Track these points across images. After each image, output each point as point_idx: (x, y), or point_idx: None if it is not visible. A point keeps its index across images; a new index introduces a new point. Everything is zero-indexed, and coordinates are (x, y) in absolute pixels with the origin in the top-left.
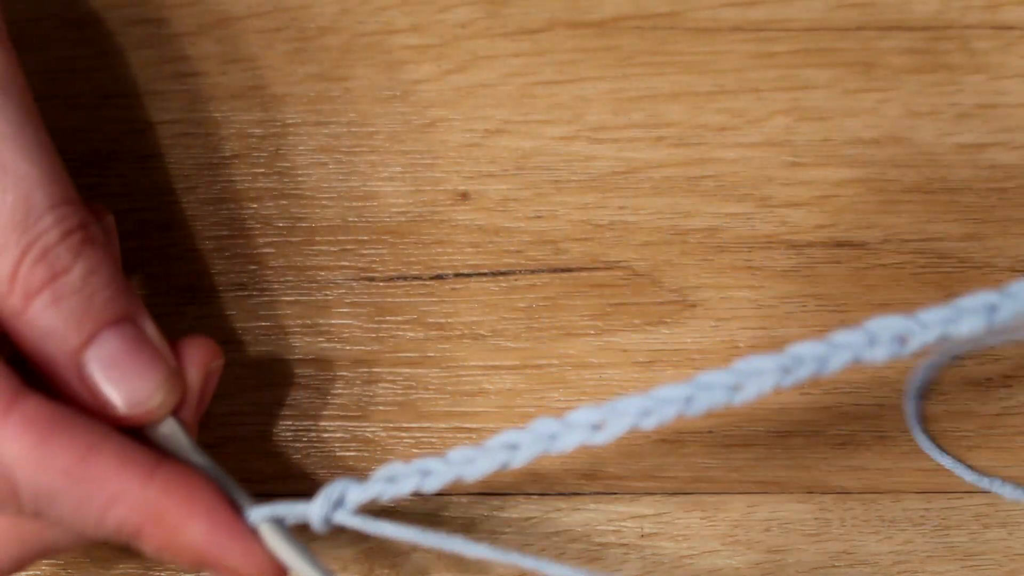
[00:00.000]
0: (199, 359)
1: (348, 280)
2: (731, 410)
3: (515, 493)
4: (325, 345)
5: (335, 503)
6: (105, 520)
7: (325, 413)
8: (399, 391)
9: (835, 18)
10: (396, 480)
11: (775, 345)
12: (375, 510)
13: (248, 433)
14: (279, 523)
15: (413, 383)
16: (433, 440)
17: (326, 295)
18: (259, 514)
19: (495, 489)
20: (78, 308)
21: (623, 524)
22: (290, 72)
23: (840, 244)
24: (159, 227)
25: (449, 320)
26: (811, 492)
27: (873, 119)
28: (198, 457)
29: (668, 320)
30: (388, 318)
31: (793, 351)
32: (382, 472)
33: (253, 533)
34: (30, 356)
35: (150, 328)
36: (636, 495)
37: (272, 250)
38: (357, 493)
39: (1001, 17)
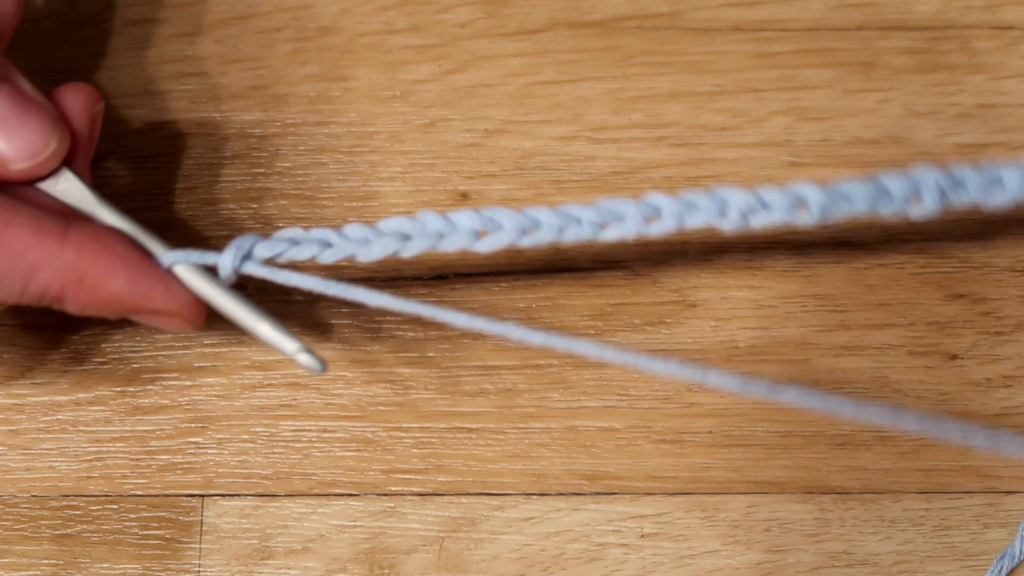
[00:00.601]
0: (81, 103)
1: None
2: (731, 410)
3: (515, 493)
4: (325, 345)
5: (244, 255)
6: (28, 288)
7: (325, 413)
8: (399, 391)
9: (835, 18)
10: (298, 243)
11: (775, 345)
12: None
13: (249, 433)
14: (195, 265)
15: (413, 383)
16: (433, 440)
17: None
18: (171, 257)
19: (495, 489)
20: None
21: (623, 524)
22: (290, 72)
23: (840, 244)
24: (159, 227)
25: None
26: (811, 492)
27: (873, 119)
28: (104, 208)
29: (668, 320)
30: (388, 318)
31: (650, 199)
32: (285, 233)
33: (171, 275)
34: None
35: (25, 84)
36: (636, 495)
37: None
38: (263, 248)
39: (1001, 17)
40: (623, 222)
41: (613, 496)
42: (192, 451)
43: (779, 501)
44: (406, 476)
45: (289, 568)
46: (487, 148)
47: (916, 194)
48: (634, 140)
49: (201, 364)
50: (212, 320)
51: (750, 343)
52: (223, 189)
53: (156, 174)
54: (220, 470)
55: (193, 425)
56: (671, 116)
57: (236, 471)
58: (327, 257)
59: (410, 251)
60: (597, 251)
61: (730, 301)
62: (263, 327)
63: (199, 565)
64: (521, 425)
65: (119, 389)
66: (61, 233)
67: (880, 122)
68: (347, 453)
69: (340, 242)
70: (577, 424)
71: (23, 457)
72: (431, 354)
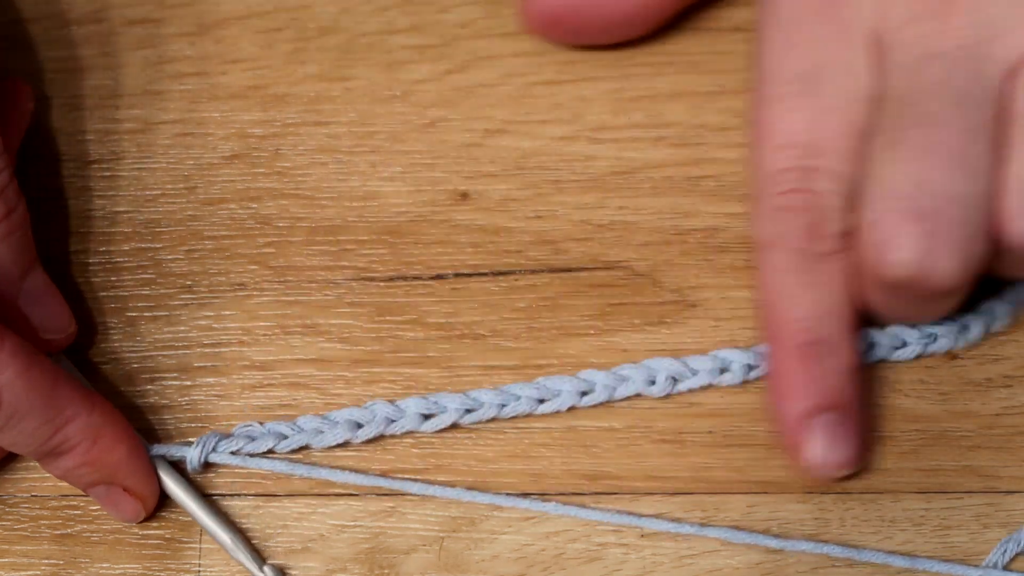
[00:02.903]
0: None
1: (348, 280)
2: (731, 410)
3: (515, 493)
4: (325, 345)
5: (208, 449)
6: (55, 436)
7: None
8: (399, 391)
9: None
10: (256, 439)
11: None
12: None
13: None
14: (165, 461)
15: (413, 383)
16: (433, 440)
17: (326, 295)
18: (158, 450)
19: (496, 489)
20: (20, 244)
21: (623, 524)
22: (290, 72)
23: None
24: (159, 227)
25: (449, 320)
26: (811, 492)
27: None
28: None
29: (668, 320)
30: (388, 318)
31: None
32: (243, 430)
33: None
34: None
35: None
36: (636, 495)
37: (272, 250)
38: (225, 444)
39: None
40: (559, 397)
41: (613, 496)
42: None
43: (779, 501)
44: (406, 476)
45: (289, 568)
46: (487, 148)
47: None
48: (634, 140)
49: (201, 364)
50: (213, 319)
51: (750, 343)
52: (223, 189)
53: (156, 174)
54: (220, 470)
55: (193, 425)
56: (671, 116)
57: (236, 471)
58: (284, 447)
59: (362, 437)
60: (597, 251)
61: (730, 301)
62: (224, 537)
63: (199, 565)
64: (521, 425)
65: (119, 389)
66: (92, 398)
67: None
68: (347, 453)
69: (294, 434)
70: (577, 424)
71: (23, 457)
72: (431, 354)
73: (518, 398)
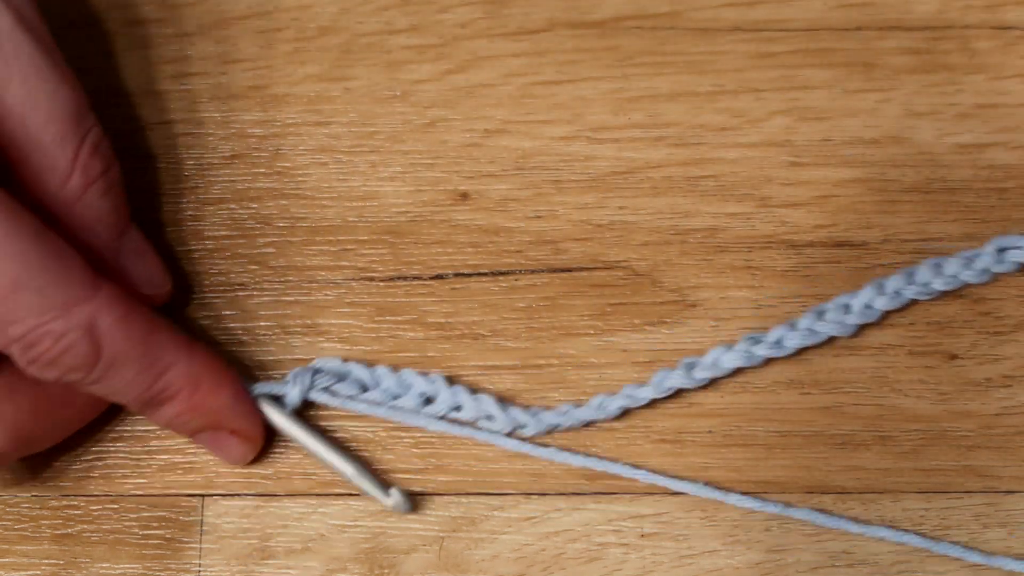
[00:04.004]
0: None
1: (348, 280)
2: (731, 410)
3: (515, 493)
4: (325, 345)
5: (306, 386)
6: (155, 384)
7: (325, 413)
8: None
9: (835, 18)
10: (344, 379)
11: None
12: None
13: None
14: (273, 398)
15: None
16: (433, 440)
17: (326, 295)
18: (260, 389)
19: (495, 489)
20: (118, 200)
21: (623, 524)
22: (290, 72)
23: (840, 244)
24: (159, 227)
25: (449, 320)
26: (811, 492)
27: (873, 119)
28: None
29: (668, 320)
30: (388, 318)
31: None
32: (325, 363)
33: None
34: (75, 240)
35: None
36: (636, 495)
37: (272, 250)
38: (320, 380)
39: (1001, 17)
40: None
41: (613, 496)
42: (192, 451)
43: (779, 501)
44: (406, 476)
45: (289, 568)
46: (487, 148)
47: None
48: (634, 140)
49: None
50: (213, 319)
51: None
52: (223, 189)
53: (156, 174)
54: (220, 470)
55: None
56: (671, 116)
57: (236, 471)
58: (364, 399)
59: (433, 414)
60: (597, 251)
61: (730, 301)
62: (348, 468)
63: (199, 565)
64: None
65: None
66: (191, 344)
67: (880, 122)
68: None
69: (372, 389)
70: None
71: (24, 457)
72: (431, 354)
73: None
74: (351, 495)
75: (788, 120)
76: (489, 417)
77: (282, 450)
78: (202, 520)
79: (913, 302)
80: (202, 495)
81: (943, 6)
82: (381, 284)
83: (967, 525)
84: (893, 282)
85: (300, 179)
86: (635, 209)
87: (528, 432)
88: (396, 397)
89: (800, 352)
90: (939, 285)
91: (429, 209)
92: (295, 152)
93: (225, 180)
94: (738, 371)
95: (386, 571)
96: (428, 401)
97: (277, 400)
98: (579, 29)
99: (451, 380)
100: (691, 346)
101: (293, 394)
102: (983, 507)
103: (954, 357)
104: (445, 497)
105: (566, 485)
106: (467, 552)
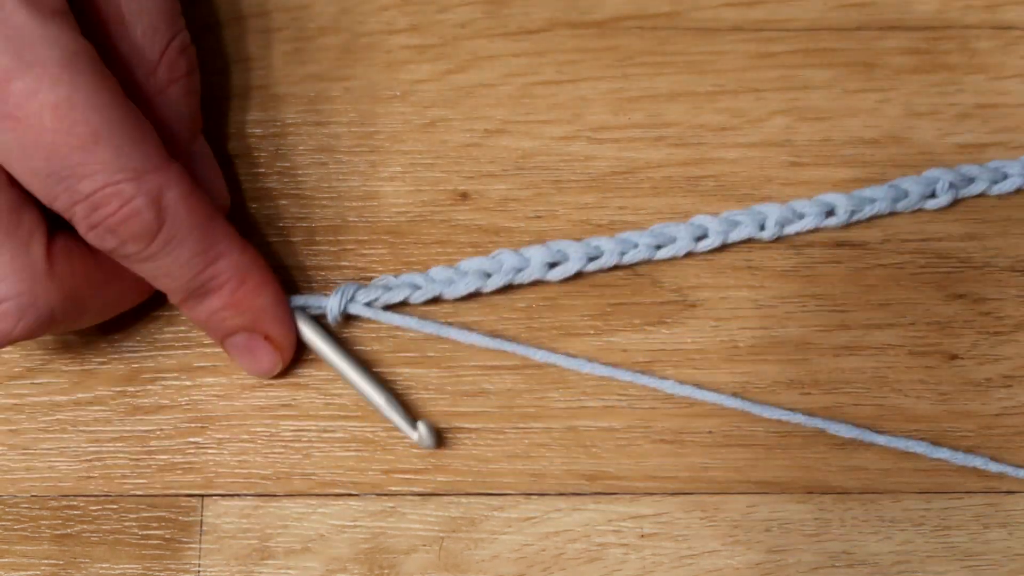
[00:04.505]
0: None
1: (348, 280)
2: (731, 410)
3: (515, 493)
4: None
5: (347, 299)
6: (205, 271)
7: (325, 413)
8: (400, 391)
9: (835, 18)
10: (392, 288)
11: (775, 345)
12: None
13: (249, 433)
14: (306, 315)
15: (413, 383)
16: None
17: (326, 295)
18: (298, 301)
19: (495, 489)
20: (195, 107)
21: (623, 524)
22: (290, 72)
23: (840, 244)
24: None
25: (449, 320)
26: (811, 492)
27: (873, 119)
28: None
29: (668, 320)
30: None
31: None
32: (379, 281)
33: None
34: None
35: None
36: (636, 495)
37: (272, 250)
38: (363, 294)
39: (1001, 17)
40: (674, 243)
41: (613, 496)
42: (192, 451)
43: (779, 501)
44: (406, 476)
45: (289, 568)
46: (487, 148)
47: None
48: (634, 140)
49: (201, 364)
50: None
51: (750, 343)
52: None
53: None
54: (220, 470)
55: (193, 425)
56: (671, 116)
57: (236, 471)
58: (418, 297)
59: (491, 287)
60: None
61: (730, 301)
62: (379, 398)
63: (199, 565)
64: (521, 425)
65: (119, 389)
66: (244, 241)
67: (880, 122)
68: (347, 453)
69: (427, 284)
70: (577, 424)
71: (23, 457)
72: (431, 354)
73: (636, 245)
74: (351, 495)
75: (788, 120)
76: (561, 253)
77: (282, 450)
78: (202, 520)
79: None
80: (202, 495)
81: (943, 6)
82: None
83: (967, 525)
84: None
85: (300, 179)
86: (635, 209)
87: (598, 264)
88: (452, 283)
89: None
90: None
91: (429, 209)
92: (295, 152)
93: (225, 180)
94: (743, 373)
95: (386, 571)
96: (488, 276)
97: (315, 319)
98: (579, 29)
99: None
100: (691, 346)
101: (332, 304)
102: (983, 507)
103: (954, 357)
104: (445, 497)
105: (566, 485)
106: (467, 552)
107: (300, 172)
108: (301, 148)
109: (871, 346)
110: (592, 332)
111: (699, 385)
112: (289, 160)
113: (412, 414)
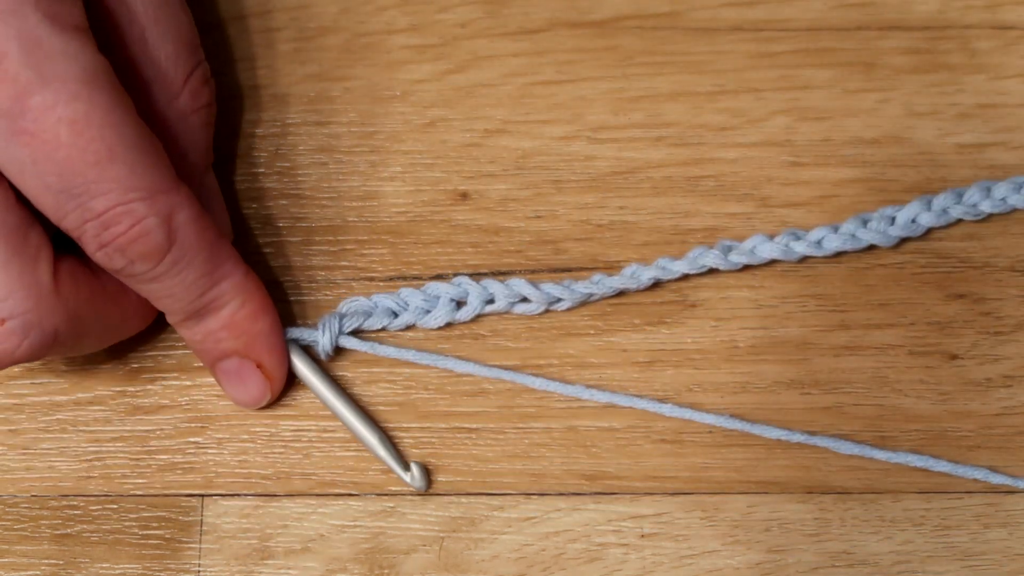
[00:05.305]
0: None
1: (348, 280)
2: (731, 410)
3: (515, 493)
4: None
5: (335, 331)
6: (210, 291)
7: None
8: (399, 391)
9: (835, 18)
10: (371, 315)
11: (775, 345)
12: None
13: (249, 433)
14: (297, 348)
15: (413, 383)
16: (433, 440)
17: (326, 295)
18: (293, 333)
19: (495, 489)
20: (209, 140)
21: (623, 524)
22: (290, 72)
23: None
24: None
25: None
26: (811, 492)
27: (873, 119)
28: None
29: (668, 320)
30: None
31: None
32: (351, 305)
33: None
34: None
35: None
36: (636, 495)
37: (272, 250)
38: (347, 323)
39: (1001, 17)
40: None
41: (613, 496)
42: (192, 451)
43: (779, 501)
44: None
45: (289, 568)
46: (487, 148)
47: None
48: (634, 140)
49: (201, 364)
50: None
51: (750, 343)
52: (223, 189)
53: None
54: (220, 470)
55: (193, 425)
56: (671, 116)
57: (236, 471)
58: (396, 325)
59: (464, 318)
60: (597, 251)
61: (730, 301)
62: (371, 438)
63: (199, 565)
64: (521, 425)
65: (119, 389)
66: (247, 267)
67: (880, 122)
68: (347, 453)
69: (403, 312)
70: (577, 424)
71: (23, 457)
72: None
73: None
74: (351, 495)
75: (788, 120)
76: (524, 299)
77: (282, 450)
78: (202, 520)
79: (958, 222)
80: (202, 495)
81: (943, 6)
82: (381, 284)
83: (967, 525)
84: (941, 199)
85: (300, 179)
86: (635, 209)
87: (564, 306)
88: (427, 312)
89: (838, 256)
90: (987, 207)
91: (429, 209)
92: (295, 152)
93: (225, 180)
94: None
95: (386, 571)
96: (459, 305)
97: (306, 351)
98: (579, 29)
99: (475, 276)
100: (691, 346)
101: (324, 341)
102: (983, 507)
103: (954, 357)
104: (445, 497)
105: (566, 485)
106: (467, 552)
107: (300, 172)
108: (301, 148)
109: (871, 346)
110: (592, 332)
111: (698, 386)
112: (289, 160)
113: (404, 457)
